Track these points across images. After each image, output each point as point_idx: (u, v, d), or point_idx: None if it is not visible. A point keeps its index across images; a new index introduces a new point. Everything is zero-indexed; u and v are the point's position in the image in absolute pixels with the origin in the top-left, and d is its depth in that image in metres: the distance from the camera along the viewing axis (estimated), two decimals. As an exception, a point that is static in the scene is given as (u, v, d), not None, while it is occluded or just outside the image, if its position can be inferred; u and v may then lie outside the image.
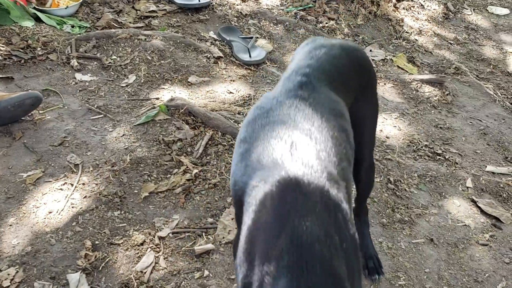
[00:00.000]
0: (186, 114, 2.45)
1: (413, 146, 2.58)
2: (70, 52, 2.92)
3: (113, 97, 2.67)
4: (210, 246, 1.87)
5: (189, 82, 2.84)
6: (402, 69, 3.36)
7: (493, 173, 2.47)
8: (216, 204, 2.08)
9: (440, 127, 2.79)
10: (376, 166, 2.36)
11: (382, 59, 3.43)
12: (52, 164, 2.19)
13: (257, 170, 1.08)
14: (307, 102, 1.24)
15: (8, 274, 1.69)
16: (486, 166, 2.51)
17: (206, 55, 3.09)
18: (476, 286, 1.87)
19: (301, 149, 1.08)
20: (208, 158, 2.29)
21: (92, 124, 2.45)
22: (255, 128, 1.20)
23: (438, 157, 2.52)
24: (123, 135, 2.37)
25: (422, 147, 2.58)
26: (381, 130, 2.66)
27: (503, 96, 3.23)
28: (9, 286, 1.66)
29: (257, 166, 1.09)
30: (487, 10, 4.59)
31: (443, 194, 2.28)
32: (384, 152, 2.47)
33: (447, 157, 2.53)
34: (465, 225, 2.13)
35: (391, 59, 3.46)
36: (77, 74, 2.81)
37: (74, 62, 2.86)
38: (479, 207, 2.22)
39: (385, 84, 3.11)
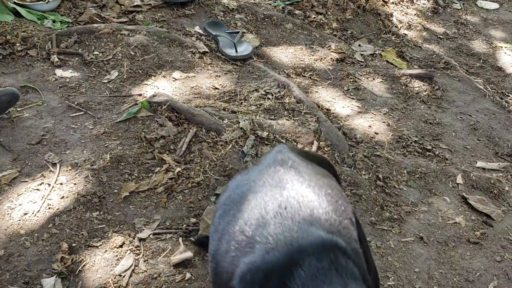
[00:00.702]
0: (169, 111, 2.38)
1: (403, 142, 2.53)
2: (50, 47, 2.83)
3: (94, 93, 2.58)
4: (188, 254, 1.78)
5: (173, 77, 2.76)
6: (391, 63, 3.30)
7: (484, 169, 2.42)
8: (200, 203, 2.01)
9: (430, 123, 2.73)
10: (365, 162, 2.30)
11: (371, 54, 3.37)
12: (29, 164, 2.11)
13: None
14: (289, 167, 1.18)
15: (-21, 280, 1.61)
16: (476, 162, 2.46)
17: (191, 50, 3.01)
18: (468, 286, 1.81)
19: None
20: (191, 156, 2.21)
21: (71, 121, 2.37)
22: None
23: (427, 153, 2.47)
24: (104, 132, 2.29)
25: (411, 143, 2.52)
26: (370, 126, 2.61)
27: (493, 90, 3.19)
28: (-21, 292, 1.58)
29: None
30: (477, 5, 4.55)
31: (433, 191, 2.23)
32: (372, 149, 2.41)
33: (437, 153, 2.47)
34: (456, 222, 2.08)
35: (380, 53, 3.40)
36: (58, 70, 2.72)
37: (54, 58, 2.77)
38: (469, 204, 2.16)
39: (374, 79, 3.05)
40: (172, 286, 1.68)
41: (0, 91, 2.26)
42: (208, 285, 1.70)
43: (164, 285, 1.68)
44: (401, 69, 3.22)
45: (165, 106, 2.37)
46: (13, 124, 2.30)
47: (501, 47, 3.88)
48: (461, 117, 2.85)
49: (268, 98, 2.64)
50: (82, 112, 2.43)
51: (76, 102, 2.48)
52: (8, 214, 1.87)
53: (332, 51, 3.27)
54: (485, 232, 2.04)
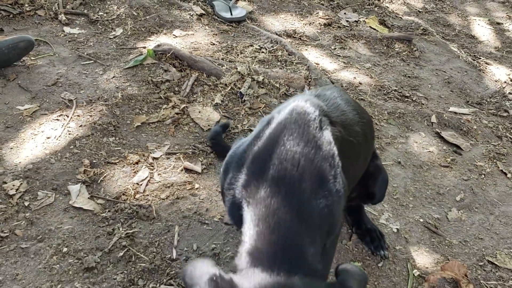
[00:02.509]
0: (172, 58, 2.61)
1: (384, 90, 2.80)
2: (57, 8, 3.04)
3: (101, 46, 2.80)
4: (197, 167, 2.04)
5: (174, 35, 2.99)
6: (374, 29, 3.58)
7: (456, 113, 2.71)
8: (204, 133, 2.25)
9: (409, 76, 3.01)
10: (350, 104, 2.56)
11: (355, 21, 3.64)
12: (47, 101, 2.32)
13: None
14: None
15: (13, 185, 1.83)
16: (449, 108, 2.75)
17: (189, 12, 3.24)
18: (438, 197, 2.09)
19: None
20: (194, 96, 2.45)
21: (83, 68, 2.58)
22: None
23: (406, 99, 2.75)
24: (114, 77, 2.51)
25: (392, 91, 2.80)
26: (355, 78, 2.87)
27: (466, 53, 3.48)
28: (14, 194, 1.80)
29: None
30: (454, -17, 4.85)
31: (410, 127, 2.51)
32: (357, 94, 2.68)
33: (414, 99, 2.75)
34: (430, 151, 2.35)
35: (364, 21, 3.67)
36: (66, 27, 2.92)
37: (62, 17, 2.97)
38: (442, 138, 2.45)
39: (358, 40, 3.32)
40: (183, 193, 1.92)
41: (17, 38, 2.46)
42: (214, 192, 1.94)
43: (176, 192, 1.91)
44: (383, 33, 3.49)
45: (169, 54, 2.60)
46: (29, 70, 2.50)
47: (475, 19, 4.18)
48: (436, 73, 3.13)
49: (262, 52, 2.90)
50: (92, 61, 2.64)
51: (86, 53, 2.69)
52: (32, 139, 2.09)
53: (320, 17, 3.54)
54: (455, 159, 2.32)
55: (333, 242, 1.27)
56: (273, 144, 1.13)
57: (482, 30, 3.97)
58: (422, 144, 2.39)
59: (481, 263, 1.79)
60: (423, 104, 2.71)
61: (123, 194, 1.87)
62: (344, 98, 1.49)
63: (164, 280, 1.57)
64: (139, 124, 2.23)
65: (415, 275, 1.71)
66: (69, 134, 2.13)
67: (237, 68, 2.55)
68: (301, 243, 1.00)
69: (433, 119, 2.57)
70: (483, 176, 2.24)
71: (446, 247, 1.85)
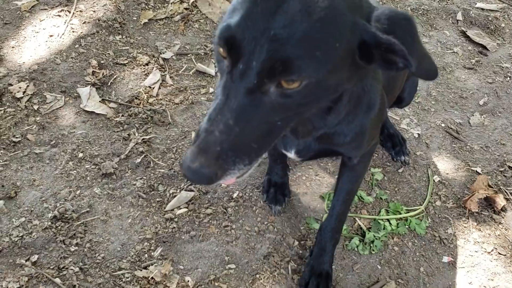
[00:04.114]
0: None
1: (407, -17, 2.59)
2: None
3: None
4: (211, 70, 1.93)
5: None
6: None
7: (483, 9, 2.53)
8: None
9: (434, -33, 2.77)
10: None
11: None
12: (45, -6, 2.14)
13: None
14: None
15: (20, 88, 1.74)
16: (476, 3, 2.56)
17: None
18: (461, 101, 2.02)
19: None
20: (204, -11, 2.26)
21: (80, -44, 2.35)
22: None
23: (430, -7, 2.55)
24: (115, -33, 2.29)
25: (415, -16, 2.59)
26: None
27: None
28: (22, 97, 1.72)
29: None
30: None
31: (434, 26, 2.35)
32: (378, -12, 2.48)
33: (439, -7, 2.56)
34: (454, 52, 2.23)
35: None
36: None
37: None
38: (467, 37, 2.30)
39: None
40: (198, 97, 1.84)
41: None
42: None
43: (190, 96, 1.83)
44: None
45: None
46: (21, -42, 2.28)
47: None
48: (463, -36, 2.88)
49: None
50: None
51: None
52: (34, 37, 1.95)
53: None
54: (480, 60, 2.21)
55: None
56: None
57: None
58: (446, 44, 2.26)
59: (502, 169, 1.77)
60: (448, -1, 2.52)
61: (136, 98, 1.79)
62: None
63: (184, 186, 1.55)
64: (146, 20, 2.08)
65: (435, 181, 1.69)
66: (73, 31, 1.99)
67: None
68: None
69: (459, 16, 2.41)
70: (508, 78, 2.15)
71: (467, 152, 1.82)
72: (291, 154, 1.15)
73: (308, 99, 0.75)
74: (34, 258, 1.33)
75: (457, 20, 2.40)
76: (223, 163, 0.74)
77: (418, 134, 1.85)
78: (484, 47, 2.27)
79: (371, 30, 0.73)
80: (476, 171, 1.74)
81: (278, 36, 0.69)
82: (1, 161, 1.54)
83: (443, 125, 1.90)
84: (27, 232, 1.38)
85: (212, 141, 0.73)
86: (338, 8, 0.72)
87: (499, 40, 2.35)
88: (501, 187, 1.70)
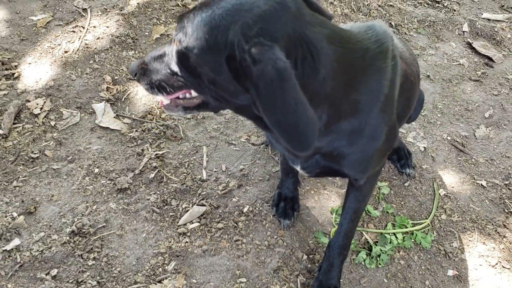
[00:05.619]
0: (189, -40, 2.42)
1: (414, -6, 2.62)
2: None
3: None
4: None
5: None
6: None
7: (489, 19, 2.56)
8: (225, 45, 2.15)
9: (440, -23, 2.80)
10: (379, 11, 2.42)
11: None
12: (60, 9, 2.20)
13: None
14: None
15: (37, 104, 1.80)
16: (482, 14, 2.59)
17: None
18: (467, 114, 2.05)
19: None
20: (214, 3, 2.31)
21: (93, -29, 2.41)
22: None
23: (437, 4, 2.58)
24: (127, -19, 2.35)
25: (422, -5, 2.62)
26: (383, -21, 2.67)
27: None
28: (39, 114, 1.78)
29: None
30: None
31: (441, 37, 2.39)
32: (385, -1, 2.52)
33: (445, 4, 2.59)
34: (460, 64, 2.26)
35: None
36: None
37: None
38: (473, 49, 2.34)
39: None
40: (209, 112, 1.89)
41: None
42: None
43: (201, 110, 1.88)
44: None
45: (185, -45, 2.41)
46: (36, -26, 2.34)
47: None
48: (470, -27, 2.90)
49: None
50: (102, -37, 2.46)
51: (94, -47, 2.49)
52: (50, 52, 2.02)
53: None
54: (486, 72, 2.24)
55: None
56: None
57: None
58: (452, 56, 2.29)
59: (507, 182, 1.80)
60: (454, 10, 2.55)
61: (149, 113, 1.84)
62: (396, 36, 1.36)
63: (196, 200, 1.60)
64: (158, 36, 2.13)
65: (441, 194, 1.73)
66: (87, 47, 2.05)
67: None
68: None
69: (465, 27, 2.44)
70: (513, 90, 2.18)
71: (473, 165, 1.85)
72: (298, 168, 1.20)
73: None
74: (54, 272, 1.39)
75: (463, 32, 2.43)
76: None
77: (424, 147, 1.89)
78: (490, 59, 2.30)
79: None
80: (481, 184, 1.78)
81: None
82: (20, 177, 1.60)
83: (449, 138, 1.94)
84: (46, 246, 1.44)
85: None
86: None
87: (505, 51, 2.38)
88: (505, 200, 1.74)
